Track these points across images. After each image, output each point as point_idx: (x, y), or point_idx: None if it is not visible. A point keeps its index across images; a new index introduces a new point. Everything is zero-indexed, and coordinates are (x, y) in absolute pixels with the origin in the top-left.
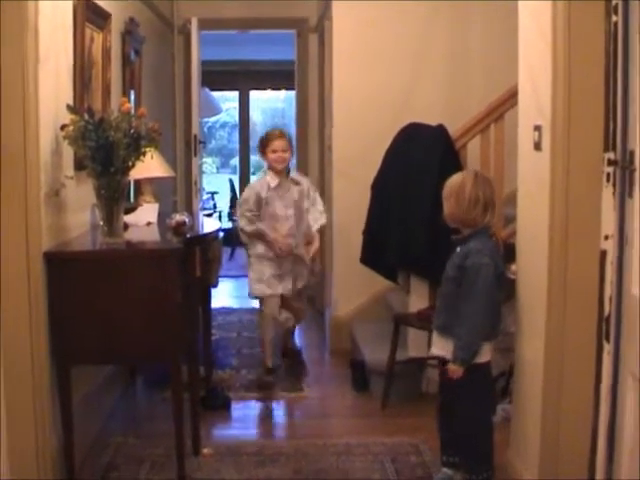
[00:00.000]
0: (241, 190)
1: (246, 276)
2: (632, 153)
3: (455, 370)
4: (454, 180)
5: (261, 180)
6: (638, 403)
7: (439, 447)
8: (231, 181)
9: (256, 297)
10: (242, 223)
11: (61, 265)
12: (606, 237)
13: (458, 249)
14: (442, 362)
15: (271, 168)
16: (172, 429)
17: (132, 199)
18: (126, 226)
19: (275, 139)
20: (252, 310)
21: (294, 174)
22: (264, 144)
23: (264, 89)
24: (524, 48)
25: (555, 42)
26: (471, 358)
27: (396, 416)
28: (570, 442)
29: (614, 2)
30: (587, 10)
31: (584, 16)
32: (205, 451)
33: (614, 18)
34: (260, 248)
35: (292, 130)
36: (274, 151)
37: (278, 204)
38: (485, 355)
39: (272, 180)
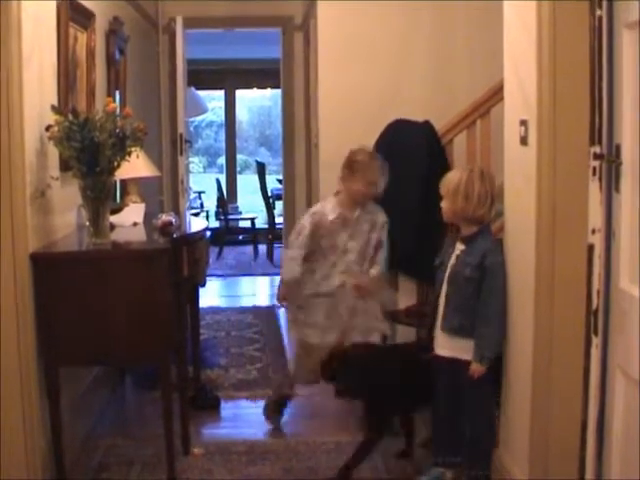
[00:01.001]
0: (228, 189)
1: (234, 275)
2: (618, 147)
3: (479, 370)
4: (458, 176)
5: (330, 205)
6: (627, 397)
7: (432, 449)
8: (218, 180)
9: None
10: (286, 261)
11: (48, 266)
12: (593, 231)
13: (463, 247)
14: (445, 364)
15: (351, 197)
16: (162, 429)
17: (118, 199)
18: (112, 226)
19: (372, 169)
20: (240, 310)
21: (370, 204)
22: (354, 168)
23: (250, 88)
24: (509, 43)
25: (540, 37)
26: (495, 356)
27: None
28: (559, 436)
29: None
30: (572, 5)
31: (569, 11)
32: (195, 451)
33: (599, 12)
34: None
35: (279, 129)
36: (369, 183)
37: (342, 235)
38: None
39: (346, 210)
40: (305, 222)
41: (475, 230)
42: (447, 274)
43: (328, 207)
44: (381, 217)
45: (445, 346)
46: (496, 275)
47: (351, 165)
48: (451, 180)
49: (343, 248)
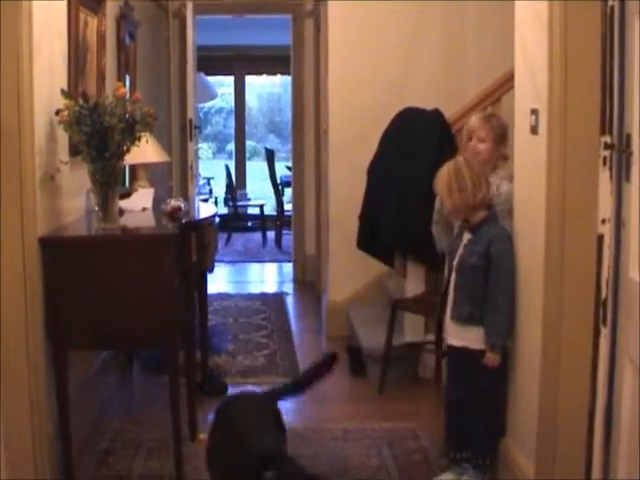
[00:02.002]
0: (237, 176)
1: (243, 261)
2: (629, 136)
3: (494, 358)
4: (445, 173)
5: None
6: (635, 387)
7: (445, 440)
8: (227, 167)
9: None
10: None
11: (56, 251)
12: (603, 221)
13: (470, 236)
14: (456, 353)
15: None
16: (169, 415)
17: (127, 184)
18: (121, 211)
19: (470, 124)
20: (248, 296)
21: (495, 182)
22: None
23: (260, 74)
24: (520, 31)
25: (551, 25)
26: (507, 343)
27: (393, 401)
28: (567, 426)
29: None
30: None
31: None
32: (202, 436)
33: (610, 2)
34: None
35: (288, 115)
36: (468, 138)
37: None
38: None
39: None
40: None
41: (482, 217)
42: (455, 263)
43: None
44: (505, 186)
45: (455, 335)
46: (502, 262)
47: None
48: (441, 179)
49: None
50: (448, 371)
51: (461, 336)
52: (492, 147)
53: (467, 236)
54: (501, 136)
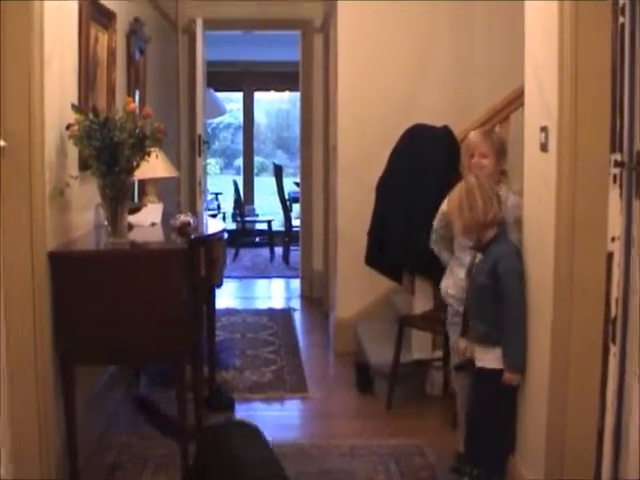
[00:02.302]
0: (245, 191)
1: (250, 277)
2: (639, 154)
3: (513, 378)
4: (456, 194)
5: None
6: None
7: (458, 462)
8: (235, 182)
9: None
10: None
11: (65, 265)
12: (613, 239)
13: (480, 255)
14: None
15: None
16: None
17: (136, 199)
18: (130, 226)
19: (471, 141)
20: (255, 312)
21: (503, 189)
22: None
23: (268, 90)
24: (530, 49)
25: (562, 43)
26: (525, 364)
27: (400, 417)
28: (576, 445)
29: (621, 3)
30: (594, 11)
31: (591, 17)
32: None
33: (621, 19)
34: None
35: (296, 131)
36: (470, 155)
37: None
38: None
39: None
40: (442, 207)
41: (491, 236)
42: (469, 283)
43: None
44: (512, 199)
45: (475, 356)
46: (510, 281)
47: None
48: (452, 199)
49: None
50: (470, 387)
51: (479, 357)
52: (495, 162)
53: (479, 256)
54: (500, 151)
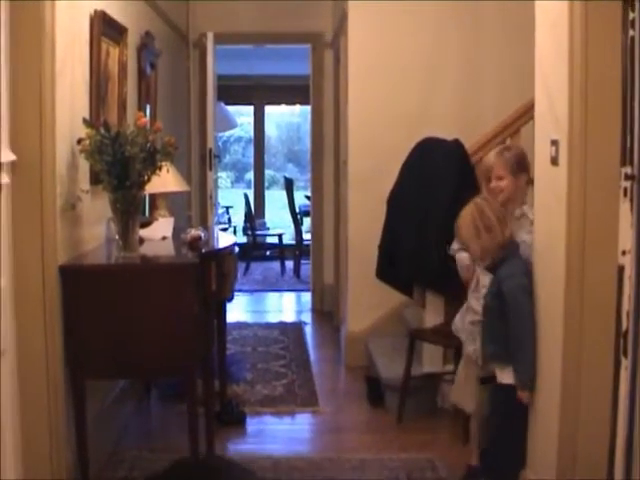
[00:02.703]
0: (256, 205)
1: (261, 290)
2: None
3: (524, 395)
4: (469, 216)
5: None
6: None
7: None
8: (246, 196)
9: None
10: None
11: (76, 279)
12: (623, 252)
13: (491, 276)
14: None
15: None
16: (187, 443)
17: (147, 213)
18: (141, 240)
19: (487, 166)
20: (266, 325)
21: (522, 207)
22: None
23: (279, 104)
24: (540, 62)
25: (571, 56)
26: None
27: (411, 431)
28: (588, 459)
29: (631, 16)
30: (604, 24)
31: (601, 30)
32: None
33: (631, 32)
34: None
35: (307, 145)
36: (488, 179)
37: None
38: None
39: None
40: None
41: (501, 256)
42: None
43: None
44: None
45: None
46: (516, 300)
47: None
48: (464, 223)
49: None
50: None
51: (497, 373)
52: (513, 180)
53: (490, 276)
54: (518, 165)
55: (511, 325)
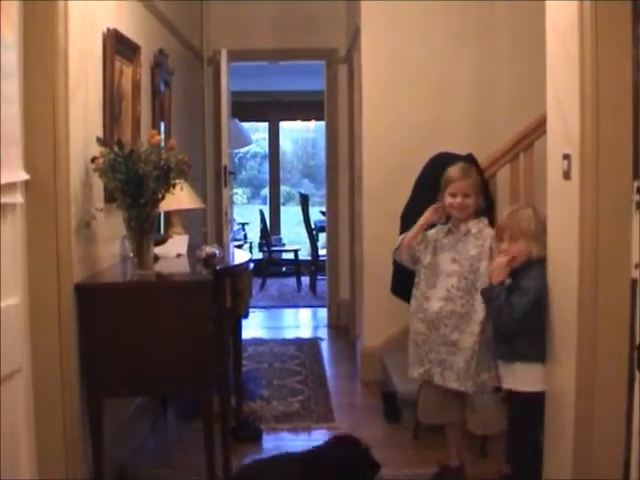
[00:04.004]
0: (272, 221)
1: (277, 307)
2: None
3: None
4: (531, 215)
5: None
6: None
7: None
8: (261, 212)
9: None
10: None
11: (92, 297)
12: (636, 266)
13: (509, 281)
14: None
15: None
16: (203, 460)
17: (162, 231)
18: (156, 258)
19: (454, 181)
20: (282, 341)
21: (477, 226)
22: (444, 185)
23: (294, 119)
24: (552, 76)
25: (583, 70)
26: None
27: (428, 447)
28: (602, 473)
29: None
30: (615, 38)
31: (612, 44)
32: None
33: None
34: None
35: (322, 160)
36: (453, 195)
37: (445, 255)
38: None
39: (444, 228)
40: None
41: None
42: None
43: (435, 229)
44: (488, 241)
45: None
46: (523, 298)
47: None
48: (525, 225)
49: (446, 270)
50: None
51: (506, 380)
52: (475, 200)
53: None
54: (480, 189)
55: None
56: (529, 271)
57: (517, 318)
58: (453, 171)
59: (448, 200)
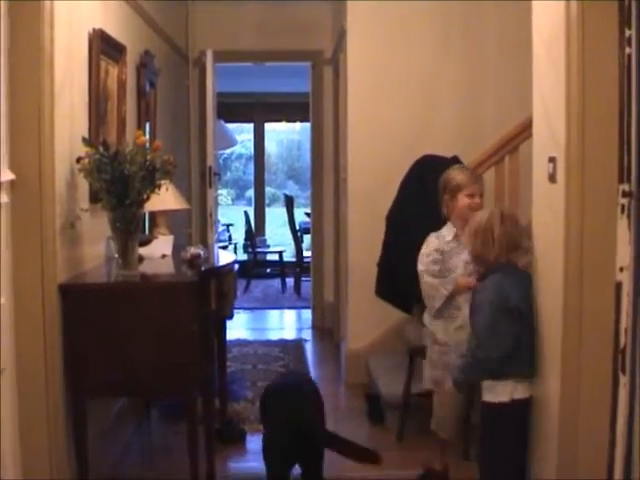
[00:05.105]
0: (257, 222)
1: (262, 308)
2: None
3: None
4: (478, 219)
5: (446, 229)
6: None
7: None
8: (246, 213)
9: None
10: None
11: (76, 297)
12: (621, 269)
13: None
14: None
15: (459, 216)
16: (187, 462)
17: (147, 231)
18: (141, 258)
19: (468, 184)
20: (267, 343)
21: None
22: (454, 189)
23: (279, 121)
24: (538, 80)
25: (569, 74)
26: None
27: (412, 449)
28: (587, 476)
29: (628, 34)
30: (601, 42)
31: (598, 48)
32: None
33: (627, 50)
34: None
35: (307, 162)
36: (471, 195)
37: (456, 259)
38: (502, 394)
39: (460, 231)
40: (426, 251)
41: (484, 271)
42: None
43: (444, 231)
44: None
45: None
46: (478, 312)
47: (449, 185)
48: (473, 220)
49: (463, 271)
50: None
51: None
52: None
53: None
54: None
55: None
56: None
57: (488, 348)
58: (461, 176)
59: (465, 201)
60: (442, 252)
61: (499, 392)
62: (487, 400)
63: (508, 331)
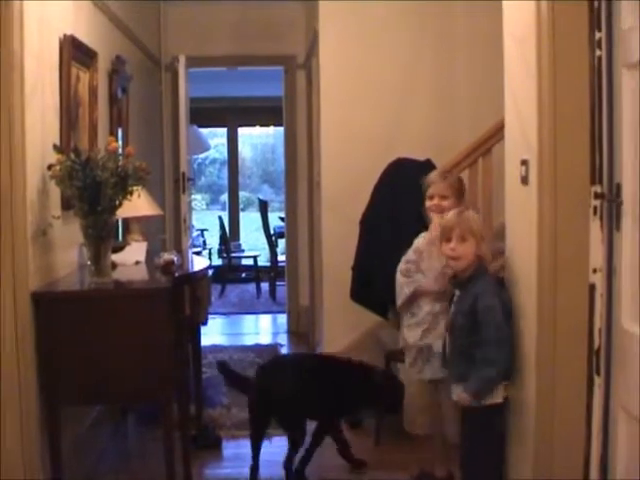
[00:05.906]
0: (231, 227)
1: (237, 313)
2: (619, 186)
3: (464, 398)
4: (475, 216)
5: (425, 234)
6: (629, 436)
7: None
8: (220, 218)
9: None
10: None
11: (49, 305)
12: (594, 270)
13: (458, 292)
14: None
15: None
16: (164, 468)
17: (120, 238)
18: (114, 265)
19: (432, 183)
20: (242, 348)
21: None
22: (425, 191)
23: (253, 125)
24: (510, 82)
25: (540, 76)
26: (483, 395)
27: (389, 452)
28: (563, 475)
29: (598, 36)
30: (572, 45)
31: (569, 50)
32: None
33: (598, 52)
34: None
35: (281, 166)
36: (430, 197)
37: (431, 262)
38: (497, 396)
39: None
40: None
41: (470, 273)
42: (447, 322)
43: (421, 239)
44: None
45: (454, 392)
46: (487, 319)
47: (424, 190)
48: (472, 220)
49: (437, 274)
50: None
51: (457, 395)
52: (454, 203)
53: (457, 293)
54: (460, 191)
55: (482, 342)
56: (478, 283)
57: (500, 351)
58: (432, 174)
59: (427, 203)
60: (421, 252)
61: (495, 394)
62: (488, 403)
63: (511, 333)
